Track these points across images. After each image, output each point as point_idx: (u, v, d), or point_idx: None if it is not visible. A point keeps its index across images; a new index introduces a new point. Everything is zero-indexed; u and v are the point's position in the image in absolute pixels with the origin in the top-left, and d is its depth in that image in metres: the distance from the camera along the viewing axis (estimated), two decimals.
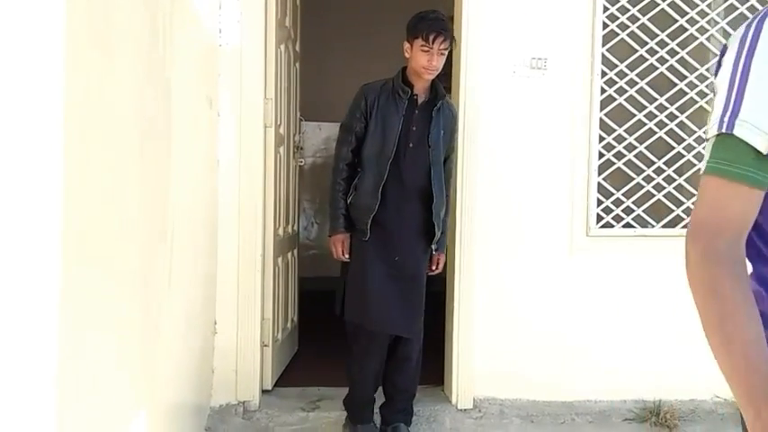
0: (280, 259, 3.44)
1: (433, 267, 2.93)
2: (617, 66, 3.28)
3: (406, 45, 2.76)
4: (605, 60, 3.27)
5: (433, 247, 2.87)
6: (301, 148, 3.93)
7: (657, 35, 3.29)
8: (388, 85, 2.81)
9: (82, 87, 1.36)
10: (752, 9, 3.33)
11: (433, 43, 2.67)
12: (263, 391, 3.24)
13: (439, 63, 2.72)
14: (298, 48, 3.88)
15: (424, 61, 2.69)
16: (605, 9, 3.25)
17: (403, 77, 2.80)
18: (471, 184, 3.14)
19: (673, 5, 3.30)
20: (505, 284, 3.22)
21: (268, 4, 3.19)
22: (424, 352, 2.95)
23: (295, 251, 3.85)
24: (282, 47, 3.45)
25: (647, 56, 3.29)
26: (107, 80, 1.54)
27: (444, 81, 2.95)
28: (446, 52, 2.74)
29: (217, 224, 3.08)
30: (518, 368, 3.23)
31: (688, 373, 3.26)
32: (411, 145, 2.77)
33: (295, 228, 3.88)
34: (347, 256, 2.84)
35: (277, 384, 3.36)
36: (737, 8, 3.32)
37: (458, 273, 3.17)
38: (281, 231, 3.45)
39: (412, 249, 2.82)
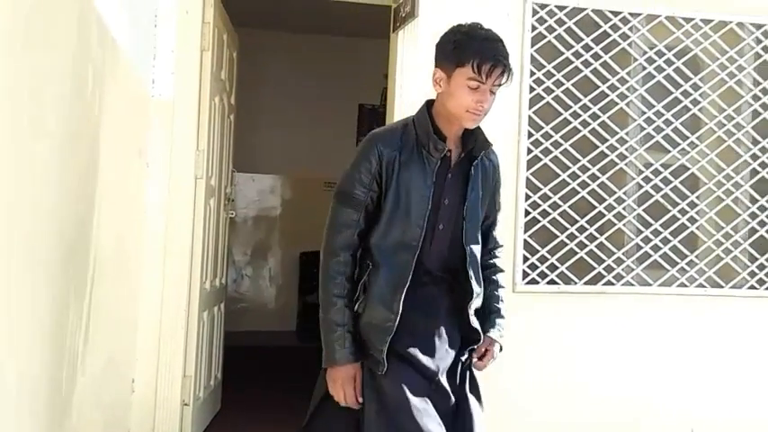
0: (205, 314, 3.36)
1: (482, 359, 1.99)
2: (542, 127, 3.40)
3: (439, 74, 1.86)
4: (531, 122, 3.39)
5: (464, 358, 1.94)
6: (233, 200, 3.89)
7: (581, 99, 3.45)
8: (410, 134, 1.88)
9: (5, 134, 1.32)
10: (668, 78, 3.52)
11: (487, 77, 1.80)
12: None
13: (490, 105, 1.85)
14: (233, 100, 3.88)
15: (470, 101, 1.82)
16: (532, 73, 3.39)
17: (431, 123, 1.88)
18: None
19: (595, 72, 3.47)
20: None
21: (203, 57, 3.19)
22: None
23: (222, 305, 3.77)
24: (217, 99, 3.44)
25: (570, 119, 3.43)
26: (28, 130, 1.50)
27: None
28: (498, 90, 1.86)
29: (140, 277, 3.00)
30: None
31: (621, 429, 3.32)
32: (441, 226, 1.89)
33: (223, 281, 3.81)
34: (361, 399, 1.83)
35: None
36: (654, 77, 3.52)
37: None
38: (207, 285, 3.38)
39: (446, 375, 1.89)
